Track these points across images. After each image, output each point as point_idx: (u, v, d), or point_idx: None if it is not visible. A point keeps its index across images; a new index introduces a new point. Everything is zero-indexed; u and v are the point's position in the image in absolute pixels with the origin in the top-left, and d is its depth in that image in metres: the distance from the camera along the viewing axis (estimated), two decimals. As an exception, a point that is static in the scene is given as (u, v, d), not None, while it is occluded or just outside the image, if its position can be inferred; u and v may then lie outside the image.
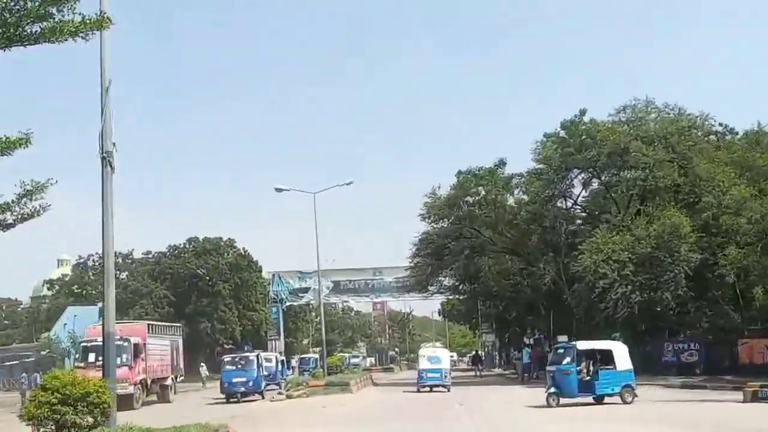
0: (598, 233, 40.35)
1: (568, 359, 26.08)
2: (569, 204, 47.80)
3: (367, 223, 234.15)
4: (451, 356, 58.62)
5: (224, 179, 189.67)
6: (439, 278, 54.65)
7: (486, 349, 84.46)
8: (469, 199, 46.37)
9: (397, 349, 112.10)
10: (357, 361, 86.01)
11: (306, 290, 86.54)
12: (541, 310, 52.14)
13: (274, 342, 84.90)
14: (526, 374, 46.37)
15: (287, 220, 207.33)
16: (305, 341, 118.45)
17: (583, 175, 45.27)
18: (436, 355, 41.76)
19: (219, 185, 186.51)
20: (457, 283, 55.48)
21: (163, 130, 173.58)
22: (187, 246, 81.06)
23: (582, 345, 27.50)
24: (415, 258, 51.99)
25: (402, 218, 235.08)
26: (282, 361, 55.33)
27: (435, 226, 49.12)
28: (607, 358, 26.27)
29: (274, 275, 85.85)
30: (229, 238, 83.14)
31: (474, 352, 78.14)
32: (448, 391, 39.28)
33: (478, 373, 56.35)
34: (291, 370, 66.93)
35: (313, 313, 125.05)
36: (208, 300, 76.95)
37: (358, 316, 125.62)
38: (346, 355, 74.05)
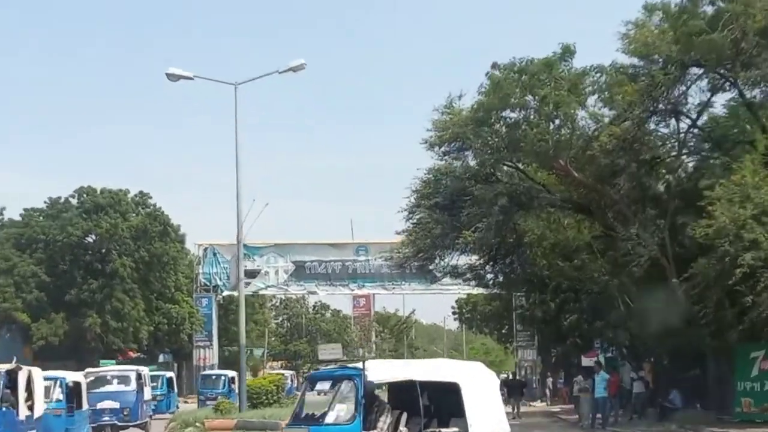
0: (741, 170, 29.76)
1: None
2: (683, 126, 36.59)
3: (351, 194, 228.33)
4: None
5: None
6: (452, 250, 42.82)
7: (524, 372, 73.83)
8: (511, 114, 35.21)
9: None
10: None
11: (254, 274, 75.81)
12: (622, 309, 41.67)
13: (204, 350, 74.71)
14: (599, 416, 36.27)
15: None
16: (258, 352, 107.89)
17: (709, 77, 34.45)
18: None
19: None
20: (481, 262, 44.36)
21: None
22: (74, 201, 70.20)
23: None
24: (413, 213, 40.98)
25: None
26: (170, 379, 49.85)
27: (449, 159, 38.29)
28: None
29: (206, 250, 75.29)
30: (140, 192, 72.32)
31: (508, 377, 67.21)
32: None
33: (515, 411, 45.54)
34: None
35: (272, 312, 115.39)
36: (100, 283, 66.20)
37: (336, 318, 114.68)
38: (288, 373, 62.52)
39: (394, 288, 75.65)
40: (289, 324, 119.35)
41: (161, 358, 78.17)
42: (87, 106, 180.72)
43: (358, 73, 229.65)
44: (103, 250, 67.45)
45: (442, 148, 37.36)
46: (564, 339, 51.09)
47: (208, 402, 40.30)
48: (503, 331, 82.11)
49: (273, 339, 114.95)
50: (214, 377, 53.15)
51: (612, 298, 43.42)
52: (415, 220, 40.48)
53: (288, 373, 58.49)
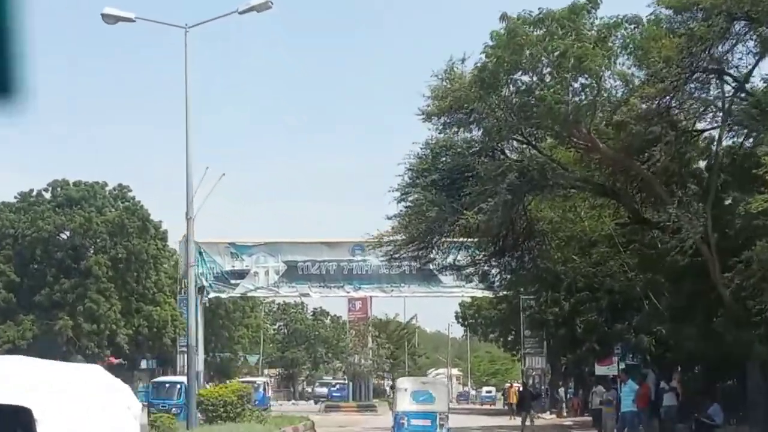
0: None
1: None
2: (729, 90, 30.31)
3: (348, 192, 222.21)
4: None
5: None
6: (452, 236, 35.86)
7: (532, 381, 67.83)
8: (523, 77, 29.09)
9: (387, 375, 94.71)
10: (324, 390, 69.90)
11: (243, 274, 69.87)
12: (647, 309, 35.91)
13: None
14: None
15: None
16: (253, 359, 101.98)
17: (759, 32, 28.46)
18: (425, 390, 31.23)
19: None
20: (485, 255, 38.51)
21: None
22: (47, 195, 64.36)
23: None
24: (407, 194, 33.87)
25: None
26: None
27: (449, 133, 32.51)
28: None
29: (194, 249, 69.57)
30: (118, 185, 66.38)
31: (512, 385, 61.44)
32: None
33: (526, 424, 39.48)
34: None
35: (269, 318, 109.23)
36: (73, 283, 60.37)
37: (336, 324, 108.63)
38: (260, 381, 55.32)
39: (392, 290, 69.51)
40: (286, 330, 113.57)
41: (144, 365, 72.19)
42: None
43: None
44: (77, 247, 61.45)
45: (442, 119, 31.28)
46: (578, 344, 44.95)
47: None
48: (509, 338, 76.02)
49: (270, 345, 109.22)
50: (168, 385, 43.49)
51: (635, 298, 37.79)
52: (408, 202, 33.55)
53: (260, 380, 51.81)
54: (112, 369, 63.52)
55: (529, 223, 34.03)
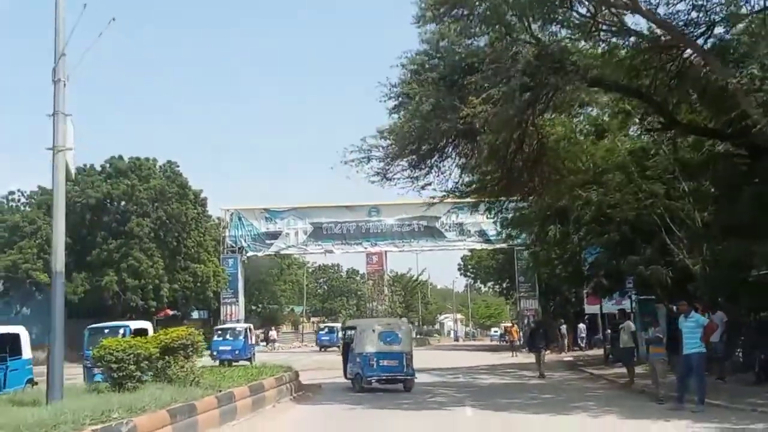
0: None
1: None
2: None
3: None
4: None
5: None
6: (450, 139, 21.55)
7: (526, 323, 54.65)
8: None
9: (404, 319, 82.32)
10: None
11: (276, 235, 57.74)
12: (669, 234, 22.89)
13: (230, 306, 56.17)
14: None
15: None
16: (299, 308, 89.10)
17: None
18: (391, 331, 21.45)
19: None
20: (492, 182, 25.02)
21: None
22: (100, 168, 51.65)
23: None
24: (399, 98, 19.38)
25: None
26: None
27: (449, 34, 18.84)
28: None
29: (232, 214, 57.27)
30: (168, 161, 53.57)
31: (513, 325, 47.90)
32: (409, 389, 20.85)
33: (538, 366, 25.97)
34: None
35: (310, 278, 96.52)
36: (118, 243, 47.63)
37: (365, 281, 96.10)
38: (240, 327, 40.06)
39: (404, 245, 57.08)
40: (326, 286, 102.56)
41: (196, 315, 59.56)
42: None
43: None
44: (122, 212, 48.78)
45: (441, 10, 17.98)
46: (587, 280, 31.42)
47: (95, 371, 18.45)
48: (504, 285, 62.78)
49: (314, 298, 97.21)
50: (107, 331, 21.83)
51: (647, 230, 24.71)
52: (400, 101, 19.15)
53: (240, 326, 37.48)
54: (168, 319, 51.31)
55: (540, 141, 20.77)
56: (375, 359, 20.38)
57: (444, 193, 21.70)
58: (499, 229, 54.61)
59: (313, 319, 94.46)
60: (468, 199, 25.71)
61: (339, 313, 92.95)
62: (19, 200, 52.59)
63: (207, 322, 58.14)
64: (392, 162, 18.60)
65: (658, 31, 17.01)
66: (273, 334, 67.38)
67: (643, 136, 24.05)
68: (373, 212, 56.70)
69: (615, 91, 18.61)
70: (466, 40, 16.80)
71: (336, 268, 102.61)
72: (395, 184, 19.71)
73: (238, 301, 56.03)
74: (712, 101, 16.86)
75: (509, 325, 46.91)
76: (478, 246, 56.78)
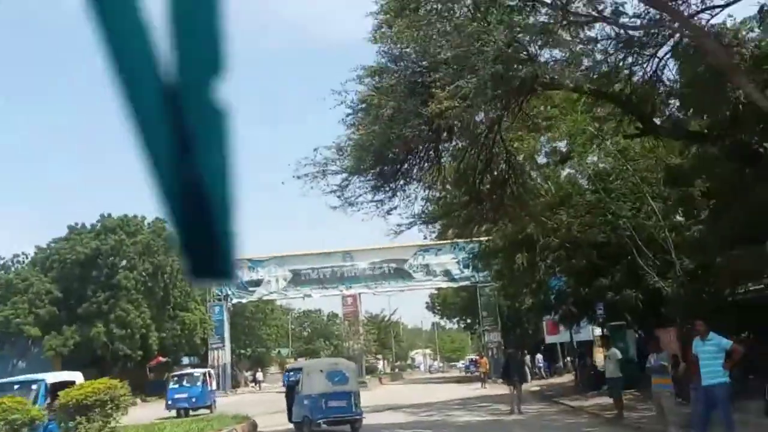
0: None
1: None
2: None
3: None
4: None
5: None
6: (412, 185, 16.21)
7: (489, 353, 49.94)
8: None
9: (378, 357, 76.87)
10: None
11: (258, 283, 52.74)
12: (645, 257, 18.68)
13: (217, 351, 50.82)
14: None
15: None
16: (284, 351, 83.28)
17: None
18: (339, 371, 17.48)
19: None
20: (458, 207, 20.25)
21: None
22: (89, 225, 46.70)
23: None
24: (353, 119, 14.12)
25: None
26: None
27: (407, 35, 14.50)
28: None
29: (217, 266, 51.83)
30: (156, 218, 48.75)
31: (481, 356, 42.83)
32: (357, 430, 16.99)
33: (515, 398, 20.86)
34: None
35: (294, 323, 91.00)
36: (106, 296, 42.51)
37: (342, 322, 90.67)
38: (197, 372, 31.27)
39: (376, 287, 52.34)
40: (309, 330, 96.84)
41: (186, 361, 54.02)
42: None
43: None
44: (110, 266, 43.62)
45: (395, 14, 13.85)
46: (553, 309, 26.77)
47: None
48: (468, 320, 58.13)
49: (299, 341, 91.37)
50: (16, 387, 13.25)
51: (618, 253, 20.61)
52: (358, 110, 14.09)
53: (198, 371, 29.89)
54: (159, 366, 45.97)
55: (508, 160, 16.55)
56: (323, 400, 16.19)
57: (411, 219, 17.26)
58: (463, 269, 50.84)
59: (299, 359, 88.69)
60: (435, 241, 21.64)
61: (320, 354, 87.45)
62: (23, 261, 47.24)
63: (197, 366, 52.78)
64: (351, 177, 14.11)
65: (631, 33, 13.08)
66: (260, 375, 61.87)
67: (607, 157, 19.93)
68: (347, 257, 52.16)
69: (587, 95, 14.51)
70: (426, 39, 12.50)
71: (318, 312, 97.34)
72: (358, 209, 15.26)
73: (224, 346, 50.79)
74: (696, 100, 12.74)
75: (478, 357, 42.15)
76: (444, 285, 52.34)
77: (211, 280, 1.35)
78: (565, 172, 21.08)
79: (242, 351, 66.64)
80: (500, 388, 33.84)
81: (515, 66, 11.35)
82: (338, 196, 14.37)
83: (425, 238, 47.93)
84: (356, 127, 13.16)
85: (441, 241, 54.94)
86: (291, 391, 18.03)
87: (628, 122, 15.12)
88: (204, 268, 1.12)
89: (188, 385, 29.64)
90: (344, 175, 13.89)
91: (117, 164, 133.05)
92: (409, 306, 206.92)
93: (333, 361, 19.45)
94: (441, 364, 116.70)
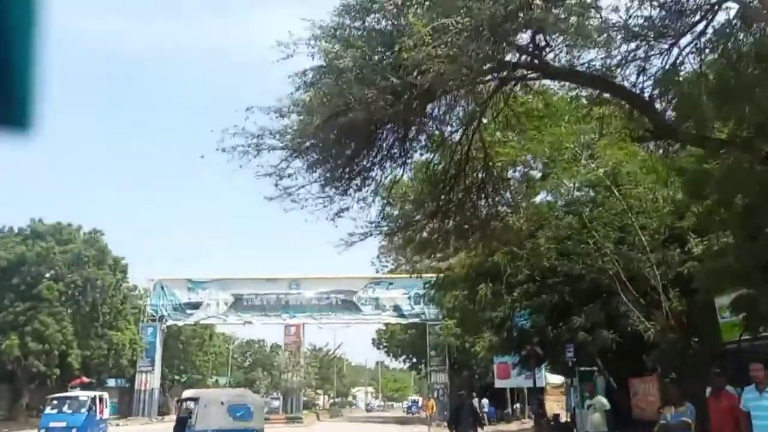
0: None
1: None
2: None
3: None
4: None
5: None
6: (370, 186, 12.05)
7: (436, 394, 46.35)
8: None
9: (318, 392, 72.37)
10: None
11: (197, 305, 48.49)
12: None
13: (146, 374, 46.14)
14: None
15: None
16: (222, 380, 78.09)
17: None
18: (243, 404, 14.91)
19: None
20: (422, 217, 16.56)
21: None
22: (17, 229, 42.01)
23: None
24: (303, 79, 9.79)
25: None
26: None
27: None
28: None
29: (156, 284, 47.90)
30: (93, 229, 44.28)
31: (429, 399, 38.41)
32: None
33: None
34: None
35: (225, 344, 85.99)
36: (25, 306, 37.80)
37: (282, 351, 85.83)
38: (83, 396, 25.34)
39: (321, 318, 48.57)
40: (251, 359, 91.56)
41: (112, 383, 48.97)
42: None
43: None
44: (35, 275, 38.96)
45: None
46: (517, 348, 23.35)
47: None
48: (414, 359, 54.54)
49: (239, 370, 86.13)
50: None
51: (595, 287, 17.66)
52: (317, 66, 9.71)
53: (84, 395, 25.20)
54: (82, 388, 40.96)
55: (486, 165, 13.42)
56: None
57: (366, 229, 13.82)
58: (413, 305, 47.48)
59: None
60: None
61: (256, 385, 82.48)
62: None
63: (124, 390, 47.91)
64: (292, 157, 10.63)
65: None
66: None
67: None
68: (293, 285, 48.41)
69: (591, 84, 11.51)
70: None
71: (261, 342, 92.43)
72: (301, 206, 11.80)
73: (154, 370, 46.13)
74: (733, 95, 9.77)
75: (424, 398, 38.26)
76: (392, 320, 48.92)
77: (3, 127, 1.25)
78: (539, 197, 18.16)
79: (176, 377, 61.65)
80: (446, 433, 30.40)
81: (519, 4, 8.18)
82: (275, 184, 10.96)
83: (377, 272, 44.56)
84: (305, 88, 9.77)
85: (393, 276, 52.03)
86: (182, 426, 14.32)
87: (632, 123, 12.19)
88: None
89: (69, 411, 24.32)
90: (284, 153, 10.44)
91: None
92: (355, 341, 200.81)
93: (237, 392, 16.08)
94: (382, 403, 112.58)
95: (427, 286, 25.22)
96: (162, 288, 47.72)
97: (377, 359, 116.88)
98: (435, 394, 46.49)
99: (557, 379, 39.91)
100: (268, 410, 44.86)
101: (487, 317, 22.23)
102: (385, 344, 53.79)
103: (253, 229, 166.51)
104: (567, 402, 29.70)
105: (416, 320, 48.03)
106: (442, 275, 22.82)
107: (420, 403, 76.07)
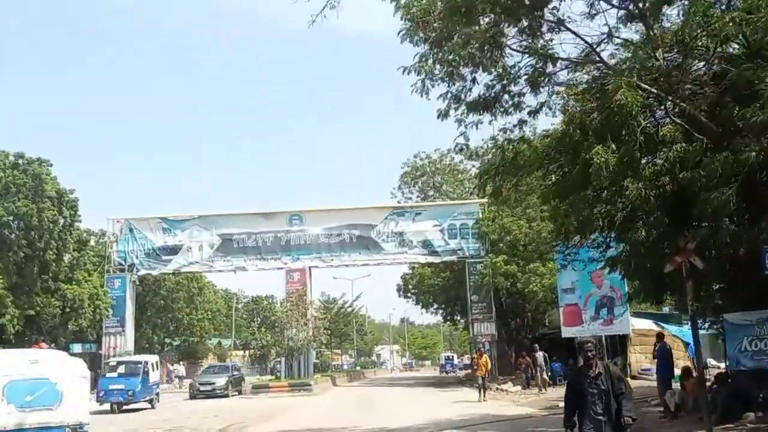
0: None
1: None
2: None
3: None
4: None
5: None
6: None
7: (479, 350, 37.06)
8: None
9: (336, 351, 62.94)
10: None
11: (176, 250, 39.36)
12: None
13: (115, 337, 37.51)
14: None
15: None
16: (227, 342, 69.91)
17: None
18: (40, 377, 10.25)
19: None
20: None
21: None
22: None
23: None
24: None
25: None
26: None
27: None
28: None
29: (123, 226, 39.03)
30: (38, 158, 34.74)
31: (481, 354, 27.88)
32: None
33: None
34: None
35: (244, 310, 77.44)
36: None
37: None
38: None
39: (332, 260, 39.14)
40: (259, 318, 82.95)
41: (78, 348, 40.19)
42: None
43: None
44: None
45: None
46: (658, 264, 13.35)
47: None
48: (451, 307, 45.03)
49: (246, 331, 77.80)
50: None
51: None
52: None
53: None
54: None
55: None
56: None
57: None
58: (448, 239, 38.02)
59: (239, 352, 74.58)
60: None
61: (270, 347, 74.11)
62: None
63: (95, 357, 39.31)
64: None
65: None
66: (180, 369, 48.51)
67: None
68: (295, 220, 39.06)
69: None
70: None
71: (271, 299, 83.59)
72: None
73: (125, 331, 37.28)
74: None
75: (476, 354, 28.09)
76: (422, 259, 39.39)
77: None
78: None
79: (167, 339, 53.25)
80: (507, 402, 21.30)
81: None
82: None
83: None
84: None
85: (421, 204, 42.49)
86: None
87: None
88: None
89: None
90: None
91: None
92: (376, 298, 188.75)
93: (29, 356, 7.53)
94: (409, 362, 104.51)
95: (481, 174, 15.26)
96: (131, 230, 38.59)
97: (402, 316, 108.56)
98: (478, 349, 37.31)
99: (645, 323, 30.48)
100: (271, 375, 36.01)
101: (602, 211, 12.58)
102: (412, 291, 44.50)
103: (243, 164, 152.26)
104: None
105: (452, 258, 38.65)
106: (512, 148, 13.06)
107: (455, 361, 67.46)
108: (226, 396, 30.76)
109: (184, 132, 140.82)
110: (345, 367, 63.41)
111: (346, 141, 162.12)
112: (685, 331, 32.36)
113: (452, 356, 69.70)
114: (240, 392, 33.06)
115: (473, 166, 44.90)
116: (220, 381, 31.80)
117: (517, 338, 40.14)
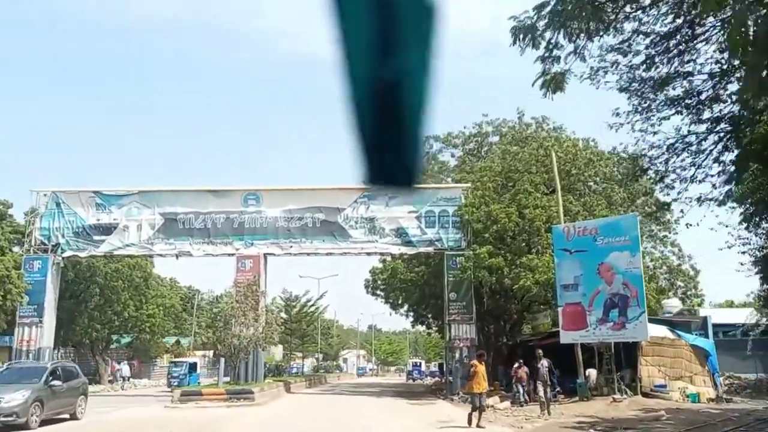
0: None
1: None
2: None
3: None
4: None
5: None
6: None
7: (459, 354, 31.40)
8: None
9: (297, 354, 56.12)
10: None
11: (109, 229, 33.09)
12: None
13: (31, 328, 31.15)
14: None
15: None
16: (185, 341, 63.30)
17: None
18: None
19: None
20: None
21: None
22: None
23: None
24: None
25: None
26: None
27: None
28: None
29: (49, 199, 32.79)
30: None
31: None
32: None
33: None
34: None
35: (206, 308, 70.81)
36: None
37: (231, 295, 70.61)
38: None
39: (291, 246, 33.22)
40: (222, 316, 75.87)
41: (-6, 342, 33.87)
42: None
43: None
44: None
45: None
46: None
47: None
48: (424, 306, 39.21)
49: (209, 329, 71.09)
50: None
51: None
52: None
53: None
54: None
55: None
56: None
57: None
58: (425, 228, 32.54)
59: (200, 353, 67.98)
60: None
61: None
62: None
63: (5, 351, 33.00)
64: None
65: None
66: (125, 369, 42.28)
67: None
68: (251, 200, 33.23)
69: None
70: None
71: (211, 292, 76.59)
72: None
73: (42, 322, 30.90)
74: None
75: (474, 361, 21.21)
76: (394, 249, 33.70)
77: (391, 187, 1.23)
78: None
79: (116, 336, 46.94)
80: (507, 428, 15.86)
81: None
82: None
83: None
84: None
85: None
86: None
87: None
88: (385, 174, 1.04)
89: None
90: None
91: None
92: (345, 298, 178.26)
93: None
94: (374, 367, 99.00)
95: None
96: (58, 204, 32.37)
97: (370, 323, 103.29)
98: (457, 356, 31.84)
99: (659, 330, 25.10)
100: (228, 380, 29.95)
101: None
102: (381, 287, 38.76)
103: (193, 135, 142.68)
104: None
105: (429, 249, 33.17)
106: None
107: (422, 368, 61.75)
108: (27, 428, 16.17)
109: (125, 95, 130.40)
110: (304, 370, 57.13)
111: (312, 115, 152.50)
112: (705, 340, 27.22)
113: (420, 363, 64.21)
114: (72, 415, 18.66)
115: (452, 155, 39.71)
116: (12, 400, 16.18)
117: (495, 344, 34.78)
